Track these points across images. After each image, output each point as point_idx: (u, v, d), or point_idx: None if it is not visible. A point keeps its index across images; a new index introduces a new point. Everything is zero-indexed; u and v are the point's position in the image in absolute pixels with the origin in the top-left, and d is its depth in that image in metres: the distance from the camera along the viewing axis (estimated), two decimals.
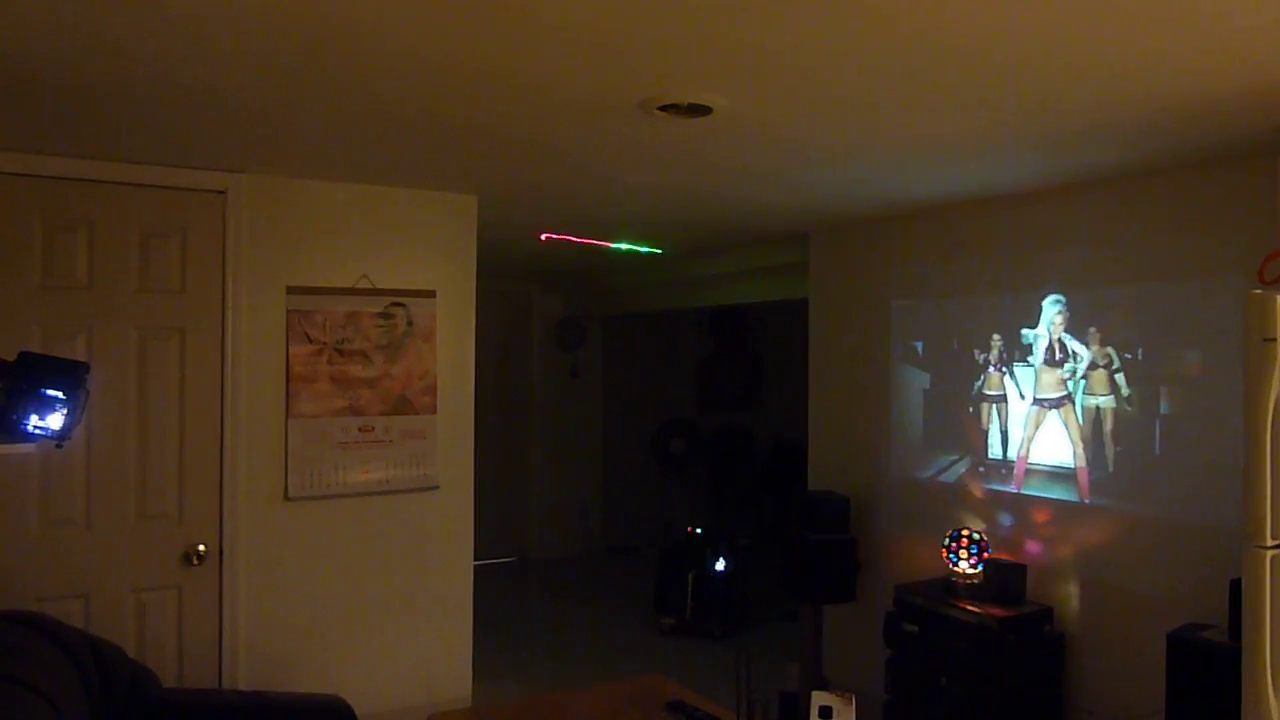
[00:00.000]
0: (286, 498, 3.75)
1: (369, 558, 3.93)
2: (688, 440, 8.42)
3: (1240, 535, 2.43)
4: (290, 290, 3.76)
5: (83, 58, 2.29)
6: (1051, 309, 3.98)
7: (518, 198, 4.24)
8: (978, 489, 4.32)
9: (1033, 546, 4.06)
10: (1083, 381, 3.85)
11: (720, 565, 6.43)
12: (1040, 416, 4.03)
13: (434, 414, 4.05)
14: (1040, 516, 4.03)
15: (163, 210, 3.54)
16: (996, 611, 3.78)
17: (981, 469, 4.31)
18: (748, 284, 6.47)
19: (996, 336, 4.23)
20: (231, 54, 2.27)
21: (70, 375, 2.41)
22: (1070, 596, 3.89)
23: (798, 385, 5.62)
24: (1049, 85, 2.46)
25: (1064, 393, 3.93)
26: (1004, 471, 4.20)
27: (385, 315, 3.95)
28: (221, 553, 3.62)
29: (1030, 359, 4.08)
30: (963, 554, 4.07)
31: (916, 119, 2.82)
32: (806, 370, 5.36)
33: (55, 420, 2.36)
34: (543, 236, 5.42)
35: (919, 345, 4.63)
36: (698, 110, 2.68)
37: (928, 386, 4.58)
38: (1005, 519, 4.18)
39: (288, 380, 3.75)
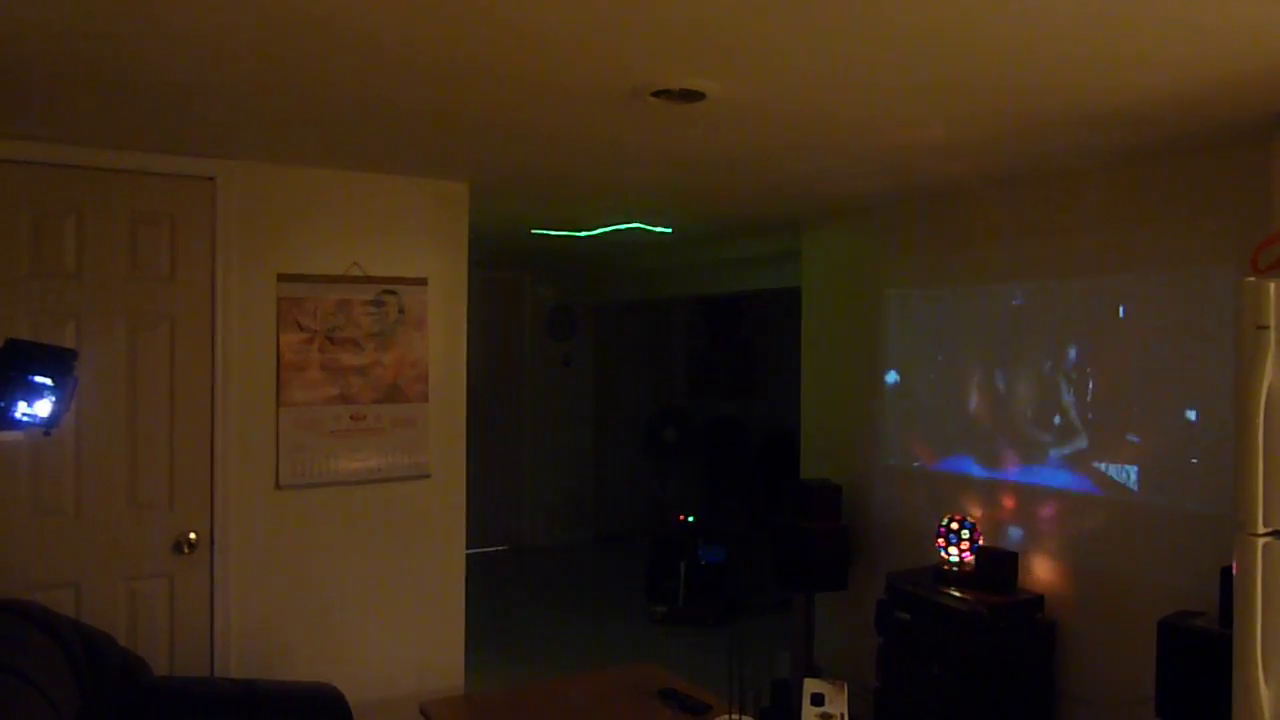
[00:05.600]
0: (278, 486, 3.74)
1: (361, 546, 3.92)
2: (680, 429, 8.42)
3: (1232, 522, 2.44)
4: (281, 278, 3.74)
5: (71, 42, 2.27)
6: (1043, 295, 3.98)
7: (510, 185, 4.22)
8: (969, 477, 4.32)
9: (1024, 534, 4.07)
10: (1074, 370, 3.85)
11: (712, 554, 6.44)
12: (1032, 403, 4.03)
13: (425, 402, 4.04)
14: (1032, 504, 4.04)
15: (152, 197, 3.52)
16: (988, 599, 3.79)
17: (972, 456, 4.31)
18: (740, 272, 6.46)
19: (988, 324, 4.23)
20: (222, 38, 2.25)
21: (58, 362, 2.40)
22: (1062, 584, 3.90)
23: (790, 373, 5.62)
24: (1042, 70, 2.45)
25: (1055, 381, 3.93)
26: (993, 459, 4.20)
27: (377, 303, 3.93)
28: (213, 541, 3.61)
29: (1021, 345, 4.08)
30: (954, 542, 4.08)
31: (909, 104, 2.81)
32: (799, 358, 5.36)
33: (43, 408, 2.35)
34: None
35: (911, 333, 4.62)
36: (690, 96, 2.67)
37: (920, 375, 4.58)
38: (996, 507, 4.19)
39: (278, 368, 3.73)
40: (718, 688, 3.18)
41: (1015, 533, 4.10)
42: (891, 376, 4.74)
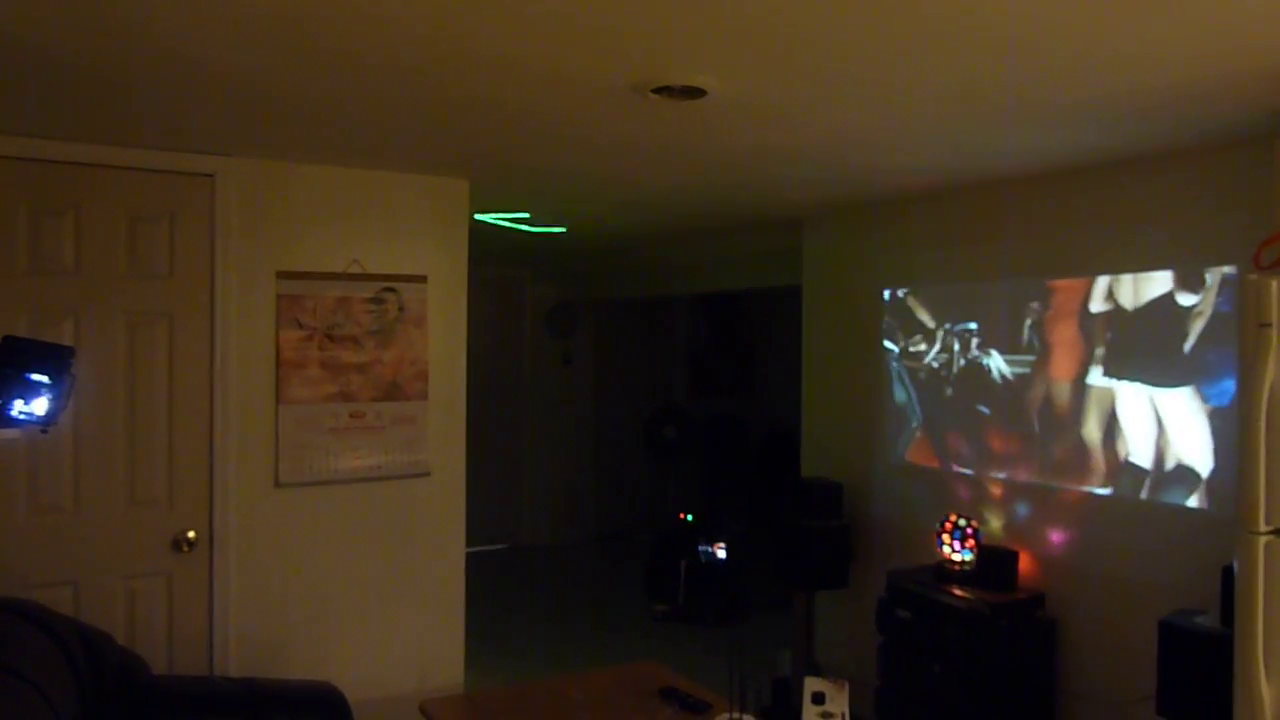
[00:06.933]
0: (277, 484, 3.73)
1: (360, 544, 3.91)
2: (680, 427, 8.41)
3: (1233, 521, 2.43)
4: (280, 275, 3.73)
5: (70, 36, 2.26)
6: (1045, 293, 3.97)
7: (509, 182, 4.21)
8: (970, 474, 4.32)
9: (1025, 532, 4.06)
10: (1076, 367, 3.84)
11: (713, 552, 6.43)
12: (1033, 400, 4.02)
13: (425, 400, 4.03)
14: (1032, 502, 4.03)
15: (151, 194, 3.51)
16: (989, 598, 3.78)
17: (972, 454, 4.30)
18: (741, 270, 6.45)
19: (987, 322, 4.22)
20: (222, 29, 2.23)
21: (56, 359, 2.39)
22: (1062, 582, 3.89)
23: (791, 372, 5.61)
24: (1046, 65, 2.44)
25: (1056, 379, 3.92)
26: (994, 457, 4.19)
27: (376, 300, 3.92)
28: (212, 539, 3.60)
29: (1019, 344, 4.07)
30: (955, 540, 4.07)
31: (912, 101, 2.80)
32: (800, 356, 5.35)
33: (41, 405, 2.34)
34: None
35: (911, 331, 4.61)
36: (691, 93, 2.65)
37: (921, 372, 4.57)
38: (997, 504, 4.18)
39: (278, 366, 3.73)
40: (718, 686, 3.17)
41: (1016, 531, 4.09)
42: (892, 374, 4.73)
